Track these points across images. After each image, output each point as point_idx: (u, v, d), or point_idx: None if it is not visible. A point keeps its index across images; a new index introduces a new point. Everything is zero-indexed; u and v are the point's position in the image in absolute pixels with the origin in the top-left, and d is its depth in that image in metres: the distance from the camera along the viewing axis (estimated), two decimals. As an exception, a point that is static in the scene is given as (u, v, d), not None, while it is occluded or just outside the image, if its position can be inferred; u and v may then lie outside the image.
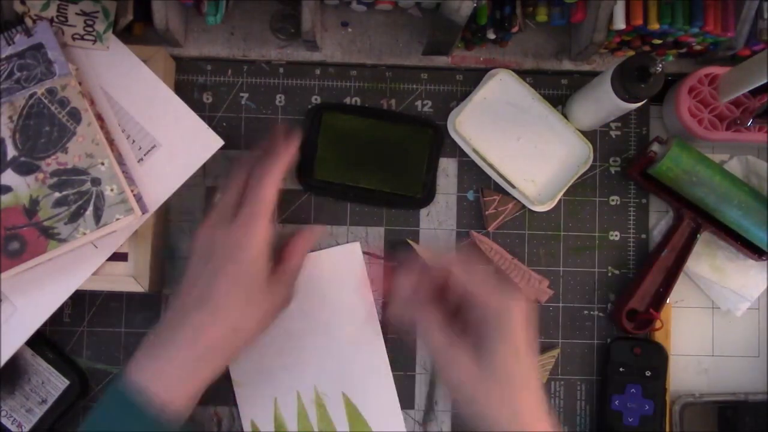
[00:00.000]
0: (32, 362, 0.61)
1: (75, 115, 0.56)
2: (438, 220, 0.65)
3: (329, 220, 0.64)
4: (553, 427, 0.49)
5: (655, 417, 0.63)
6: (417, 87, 0.65)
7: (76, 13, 0.60)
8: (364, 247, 0.64)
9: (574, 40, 0.64)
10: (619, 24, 0.58)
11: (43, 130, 0.56)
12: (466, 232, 0.65)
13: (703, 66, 0.63)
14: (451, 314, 0.51)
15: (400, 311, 0.53)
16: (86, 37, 0.60)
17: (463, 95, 0.65)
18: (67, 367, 0.61)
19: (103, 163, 0.56)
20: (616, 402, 0.63)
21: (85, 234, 0.55)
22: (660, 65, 0.53)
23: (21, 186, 0.55)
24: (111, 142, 0.58)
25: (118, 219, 0.56)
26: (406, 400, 0.64)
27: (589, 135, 0.65)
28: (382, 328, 0.63)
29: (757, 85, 0.56)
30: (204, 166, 0.62)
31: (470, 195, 0.65)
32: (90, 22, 0.60)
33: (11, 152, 0.56)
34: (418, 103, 0.65)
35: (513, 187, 0.63)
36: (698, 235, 0.64)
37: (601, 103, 0.58)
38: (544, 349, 0.64)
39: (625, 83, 0.55)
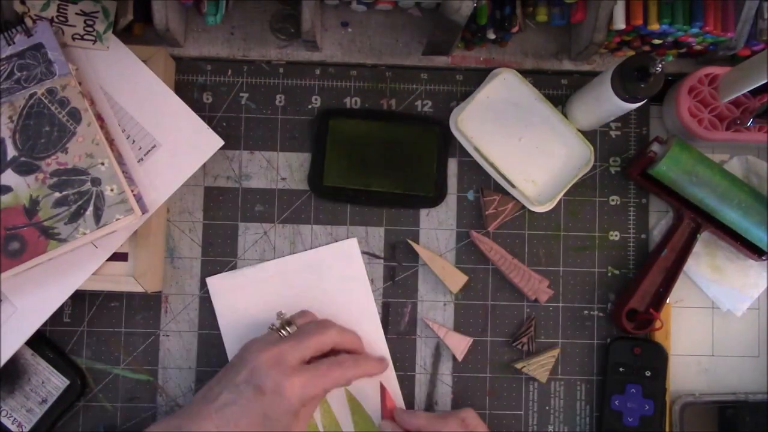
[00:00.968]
0: (32, 362, 0.61)
1: (75, 115, 0.56)
2: (438, 220, 0.65)
3: (329, 221, 0.64)
4: None
5: (654, 417, 0.63)
6: (417, 87, 0.65)
7: (76, 13, 0.60)
8: (364, 246, 0.64)
9: (574, 40, 0.64)
10: (619, 24, 0.58)
11: (43, 130, 0.56)
12: (466, 232, 0.65)
13: (703, 66, 0.63)
14: None
15: None
16: (86, 37, 0.60)
17: (463, 95, 0.65)
18: (67, 367, 0.61)
19: (103, 163, 0.56)
20: (616, 402, 0.63)
21: (85, 234, 0.55)
22: (660, 65, 0.53)
23: (21, 186, 0.55)
24: (111, 142, 0.58)
25: (118, 219, 0.56)
26: (406, 400, 0.64)
27: (589, 135, 0.65)
28: (382, 323, 0.63)
29: (757, 85, 0.56)
30: (204, 166, 0.62)
31: (470, 195, 0.65)
32: (90, 22, 0.60)
33: (11, 152, 0.56)
34: (418, 103, 0.65)
35: (513, 186, 0.63)
36: (698, 235, 0.64)
37: (601, 103, 0.58)
38: (545, 349, 0.64)
39: (625, 83, 0.55)
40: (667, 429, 0.64)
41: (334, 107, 0.65)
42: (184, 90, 0.64)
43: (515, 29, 0.61)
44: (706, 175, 0.61)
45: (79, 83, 0.58)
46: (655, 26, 0.58)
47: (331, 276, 0.64)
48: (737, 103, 0.63)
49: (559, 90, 0.66)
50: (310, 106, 0.65)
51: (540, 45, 0.66)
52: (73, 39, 0.60)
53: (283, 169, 0.65)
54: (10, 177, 0.55)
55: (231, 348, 0.63)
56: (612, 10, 0.58)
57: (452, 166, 0.65)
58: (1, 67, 0.57)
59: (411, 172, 0.64)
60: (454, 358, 0.64)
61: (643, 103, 0.57)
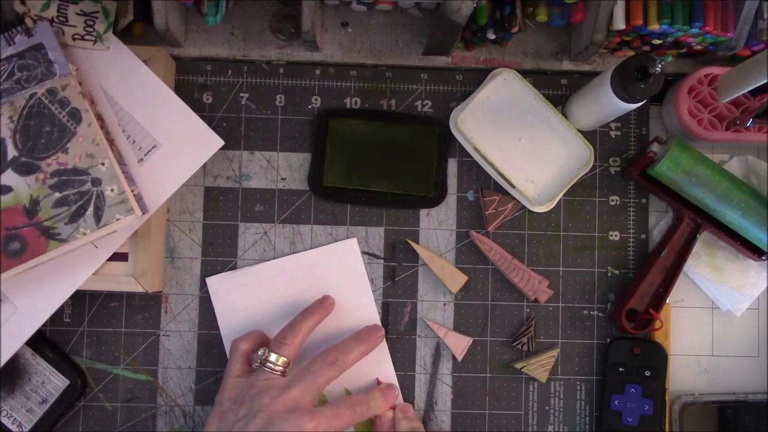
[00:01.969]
0: (32, 362, 0.61)
1: (75, 116, 0.57)
2: (438, 220, 0.65)
3: (329, 221, 0.64)
4: None
5: (654, 417, 0.63)
6: (417, 87, 0.65)
7: (77, 13, 0.60)
8: (364, 246, 0.64)
9: (574, 40, 0.64)
10: (619, 24, 0.58)
11: (44, 131, 0.56)
12: (466, 232, 0.65)
13: (703, 66, 0.63)
14: None
15: None
16: (86, 37, 0.60)
17: (463, 95, 0.65)
18: (67, 367, 0.61)
19: (103, 164, 0.56)
20: (616, 402, 0.63)
21: (85, 234, 0.55)
22: (659, 65, 0.53)
23: (21, 186, 0.55)
24: (111, 142, 0.58)
25: (118, 219, 0.56)
26: (406, 400, 0.64)
27: (588, 135, 0.65)
28: (382, 323, 0.63)
29: (757, 85, 0.56)
30: (204, 166, 0.62)
31: (470, 195, 0.65)
32: (90, 22, 0.60)
33: (11, 152, 0.56)
34: (418, 103, 0.65)
35: (513, 187, 0.63)
36: (698, 235, 0.64)
37: (601, 104, 0.58)
38: (544, 349, 0.64)
39: (625, 83, 0.55)
40: (667, 429, 0.64)
41: (334, 107, 0.65)
42: (184, 90, 0.64)
43: (515, 29, 0.61)
44: (706, 175, 0.61)
45: (80, 83, 0.58)
46: (655, 26, 0.58)
47: (331, 276, 0.64)
48: (737, 103, 0.63)
49: (559, 90, 0.66)
50: (310, 107, 0.65)
51: (540, 45, 0.66)
52: (74, 39, 0.60)
53: (283, 169, 0.65)
54: (10, 177, 0.55)
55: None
56: (612, 10, 0.58)
57: (452, 166, 0.65)
58: (2, 67, 0.57)
59: (411, 172, 0.64)
60: (454, 358, 0.64)
61: (642, 103, 0.57)
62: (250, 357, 0.58)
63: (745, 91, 0.58)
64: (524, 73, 0.65)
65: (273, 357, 0.57)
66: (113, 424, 0.63)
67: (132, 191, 0.57)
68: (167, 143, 0.60)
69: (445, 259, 0.64)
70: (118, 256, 0.60)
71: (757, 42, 0.60)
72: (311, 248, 0.64)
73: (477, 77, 0.65)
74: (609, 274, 0.65)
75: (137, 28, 0.63)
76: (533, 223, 0.65)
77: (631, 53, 0.64)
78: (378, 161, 0.64)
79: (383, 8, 0.64)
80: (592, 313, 0.65)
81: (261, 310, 0.63)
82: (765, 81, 0.55)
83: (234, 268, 0.64)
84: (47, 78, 0.57)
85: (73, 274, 0.58)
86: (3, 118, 0.56)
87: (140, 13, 0.61)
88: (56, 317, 0.60)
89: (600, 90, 0.57)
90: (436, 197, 0.64)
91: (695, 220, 0.64)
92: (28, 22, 0.58)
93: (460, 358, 0.64)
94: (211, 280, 0.63)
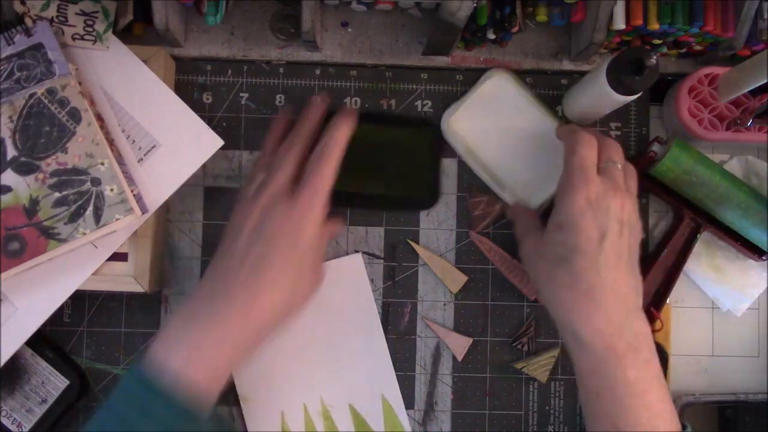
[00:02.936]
0: (32, 362, 0.61)
1: (75, 115, 0.56)
2: (438, 220, 0.65)
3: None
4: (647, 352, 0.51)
5: (655, 417, 0.63)
6: (417, 87, 0.65)
7: (76, 13, 0.60)
8: (364, 246, 0.64)
9: (574, 40, 0.64)
10: (619, 24, 0.58)
11: (43, 130, 0.56)
12: (466, 232, 0.65)
13: (703, 66, 0.63)
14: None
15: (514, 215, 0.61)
16: (86, 37, 0.60)
17: (463, 95, 0.65)
18: (67, 367, 0.61)
19: (103, 163, 0.56)
20: (616, 402, 0.63)
21: (85, 234, 0.55)
22: (655, 57, 0.53)
23: (21, 186, 0.55)
24: (111, 142, 0.58)
25: (118, 219, 0.56)
26: (406, 400, 0.64)
27: (589, 135, 0.65)
28: (382, 323, 0.63)
29: (757, 85, 0.56)
30: (204, 166, 0.62)
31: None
32: (90, 22, 0.60)
33: (11, 152, 0.56)
34: (418, 103, 0.65)
35: (503, 189, 0.63)
36: (698, 235, 0.64)
37: (597, 97, 0.58)
38: (545, 349, 0.64)
39: (620, 76, 0.54)
40: (667, 429, 0.64)
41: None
42: (184, 90, 0.64)
43: (515, 29, 0.61)
44: (706, 175, 0.61)
45: (79, 83, 0.58)
46: (655, 26, 0.58)
47: (335, 290, 0.63)
48: (737, 103, 0.63)
49: (559, 90, 0.66)
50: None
51: (540, 45, 0.66)
52: (73, 39, 0.60)
53: (283, 169, 0.65)
54: (10, 177, 0.55)
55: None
56: (612, 10, 0.58)
57: (452, 166, 0.65)
58: (1, 67, 0.57)
59: (405, 174, 0.64)
60: (454, 358, 0.64)
61: (638, 96, 0.57)
62: None
63: (745, 91, 0.58)
64: (524, 73, 0.65)
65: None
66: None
67: (132, 191, 0.57)
68: (167, 143, 0.60)
69: (445, 259, 0.64)
70: (118, 256, 0.60)
71: (757, 42, 0.60)
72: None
73: (477, 77, 0.65)
74: (609, 274, 0.65)
75: (137, 28, 0.63)
76: (533, 223, 0.65)
77: (631, 53, 0.64)
78: (371, 163, 0.64)
79: (383, 8, 0.64)
80: (592, 313, 0.65)
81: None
82: (765, 81, 0.55)
83: (234, 268, 0.64)
84: (47, 78, 0.57)
85: (72, 274, 0.58)
86: (2, 118, 0.56)
87: (140, 13, 0.61)
88: (56, 317, 0.60)
89: (596, 83, 0.57)
90: (429, 199, 0.64)
91: (695, 220, 0.64)
92: (28, 21, 0.58)
93: (460, 358, 0.64)
94: None
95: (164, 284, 0.64)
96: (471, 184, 0.65)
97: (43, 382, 0.61)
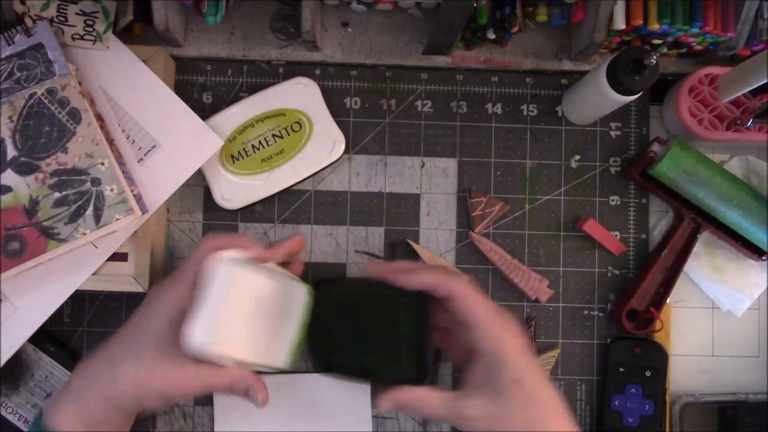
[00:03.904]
0: (35, 357, 0.61)
1: (75, 115, 0.56)
2: (438, 220, 0.65)
3: (329, 220, 0.64)
4: None
5: (655, 417, 0.63)
6: (417, 87, 0.65)
7: (76, 13, 0.60)
8: (364, 246, 0.64)
9: (574, 40, 0.64)
10: (619, 24, 0.58)
11: (43, 130, 0.56)
12: (466, 232, 0.65)
13: (703, 66, 0.63)
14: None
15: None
16: (86, 37, 0.60)
17: (463, 95, 0.65)
18: (69, 361, 0.61)
19: (103, 163, 0.56)
20: (616, 402, 0.63)
21: (85, 234, 0.55)
22: (654, 57, 0.53)
23: (21, 186, 0.55)
24: (111, 142, 0.58)
25: (118, 219, 0.56)
26: (406, 400, 0.64)
27: (589, 135, 0.65)
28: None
29: (757, 85, 0.56)
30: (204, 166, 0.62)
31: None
32: (90, 22, 0.60)
33: (11, 152, 0.56)
34: (418, 103, 0.65)
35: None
36: (698, 235, 0.64)
37: (597, 97, 0.58)
38: (545, 349, 0.64)
39: (620, 76, 0.55)
40: (667, 429, 0.64)
41: (319, 278, 0.60)
42: (184, 90, 0.64)
43: (515, 29, 0.61)
44: (706, 175, 0.61)
45: (79, 83, 0.58)
46: (655, 26, 0.58)
47: (333, 404, 0.62)
48: (737, 103, 0.63)
49: (559, 90, 0.66)
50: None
51: (540, 45, 0.66)
52: (73, 39, 0.60)
53: (283, 169, 0.65)
54: (10, 177, 0.55)
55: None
56: (612, 10, 0.58)
57: (452, 166, 0.65)
58: (1, 67, 0.57)
59: (389, 347, 0.54)
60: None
61: (638, 96, 0.57)
62: None
63: (746, 91, 0.58)
64: (524, 73, 0.65)
65: None
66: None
67: (132, 191, 0.57)
68: (167, 143, 0.60)
69: (445, 260, 0.64)
70: (118, 256, 0.60)
71: (757, 42, 0.60)
72: (311, 248, 0.64)
73: (477, 77, 0.65)
74: (609, 274, 0.65)
75: (137, 28, 0.63)
76: (533, 223, 0.65)
77: (631, 53, 0.64)
78: (357, 333, 0.56)
79: (383, 8, 0.64)
80: (592, 313, 0.65)
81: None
82: (765, 81, 0.55)
83: (234, 268, 0.64)
84: (47, 78, 0.57)
85: (72, 274, 0.58)
86: (2, 118, 0.56)
87: (140, 13, 0.61)
88: (56, 317, 0.60)
89: (596, 83, 0.57)
90: (416, 377, 0.54)
91: (695, 220, 0.64)
92: (28, 21, 0.58)
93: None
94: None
95: (164, 284, 0.64)
96: (471, 184, 0.65)
97: (46, 377, 0.61)
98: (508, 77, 0.66)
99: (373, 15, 0.66)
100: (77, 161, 0.56)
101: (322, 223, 0.64)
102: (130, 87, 0.60)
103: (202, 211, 0.64)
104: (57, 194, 0.56)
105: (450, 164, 0.65)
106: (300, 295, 0.56)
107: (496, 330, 0.49)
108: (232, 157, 0.62)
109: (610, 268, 0.65)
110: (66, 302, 0.58)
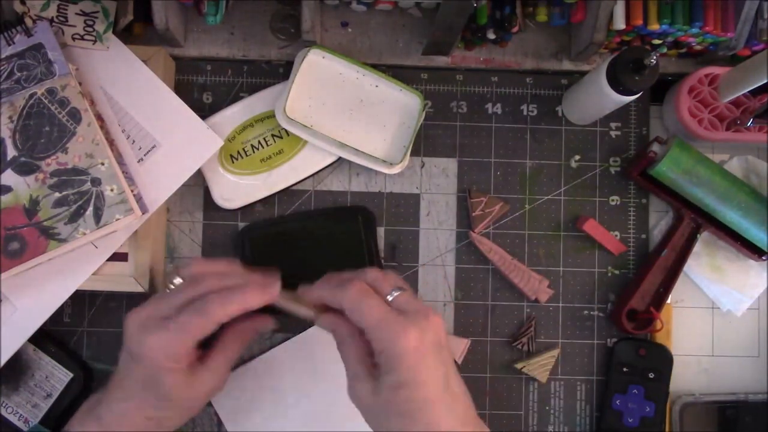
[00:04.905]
0: (35, 357, 0.61)
1: (75, 115, 0.56)
2: (438, 220, 0.65)
3: (329, 220, 0.64)
4: None
5: (656, 419, 0.63)
6: (417, 87, 0.65)
7: (76, 13, 0.60)
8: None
9: (574, 40, 0.64)
10: (619, 24, 0.58)
11: (43, 130, 0.56)
12: (466, 232, 0.65)
13: (703, 66, 0.63)
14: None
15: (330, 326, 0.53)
16: (86, 37, 0.60)
17: (463, 95, 0.65)
18: (69, 361, 0.61)
19: (103, 163, 0.56)
20: (618, 402, 0.63)
21: (85, 234, 0.55)
22: (654, 57, 0.53)
23: (21, 186, 0.55)
24: (111, 142, 0.58)
25: (118, 219, 0.56)
26: (406, 400, 0.64)
27: (589, 135, 0.66)
28: None
29: (757, 85, 0.56)
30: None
31: (470, 195, 0.65)
32: (90, 22, 0.60)
33: (11, 152, 0.56)
34: (418, 103, 0.65)
35: (363, 155, 0.61)
36: (698, 235, 0.64)
37: (597, 97, 0.58)
38: (544, 349, 0.64)
39: (620, 76, 0.55)
40: (667, 429, 0.64)
41: (250, 225, 0.63)
42: (184, 90, 0.64)
43: (515, 29, 0.61)
44: (706, 175, 0.61)
45: (79, 83, 0.58)
46: (655, 26, 0.58)
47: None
48: (737, 103, 0.63)
49: (559, 90, 0.66)
50: (235, 236, 0.64)
51: (540, 45, 0.66)
52: (73, 39, 0.60)
53: (283, 169, 0.65)
54: (10, 177, 0.55)
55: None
56: (612, 10, 0.58)
57: (452, 166, 0.65)
58: (1, 67, 0.57)
59: (342, 264, 0.57)
60: (454, 360, 0.64)
61: (638, 96, 0.57)
62: None
63: (746, 91, 0.58)
64: (524, 73, 0.65)
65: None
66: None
67: (132, 191, 0.57)
68: (167, 143, 0.60)
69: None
70: (118, 256, 0.60)
71: (757, 42, 0.60)
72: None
73: (477, 77, 0.65)
74: (609, 274, 0.65)
75: (137, 28, 0.63)
76: (533, 223, 0.65)
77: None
78: (307, 261, 0.62)
79: (383, 8, 0.64)
80: (592, 313, 0.65)
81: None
82: (765, 81, 0.55)
83: (234, 268, 0.64)
84: (47, 78, 0.57)
85: (72, 274, 0.58)
86: (3, 118, 0.56)
87: (140, 13, 0.61)
88: (56, 317, 0.60)
89: (596, 83, 0.57)
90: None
91: (695, 220, 0.64)
92: (28, 21, 0.58)
93: (459, 360, 0.64)
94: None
95: (164, 285, 0.63)
96: (471, 184, 0.65)
97: (47, 377, 0.61)
98: (508, 77, 0.66)
99: (373, 15, 0.66)
100: (77, 161, 0.56)
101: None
102: (130, 87, 0.60)
103: (202, 211, 0.64)
104: (57, 194, 0.56)
105: (450, 164, 0.65)
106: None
107: (387, 333, 0.48)
108: (232, 157, 0.63)
109: (610, 268, 0.65)
110: (66, 302, 0.58)
